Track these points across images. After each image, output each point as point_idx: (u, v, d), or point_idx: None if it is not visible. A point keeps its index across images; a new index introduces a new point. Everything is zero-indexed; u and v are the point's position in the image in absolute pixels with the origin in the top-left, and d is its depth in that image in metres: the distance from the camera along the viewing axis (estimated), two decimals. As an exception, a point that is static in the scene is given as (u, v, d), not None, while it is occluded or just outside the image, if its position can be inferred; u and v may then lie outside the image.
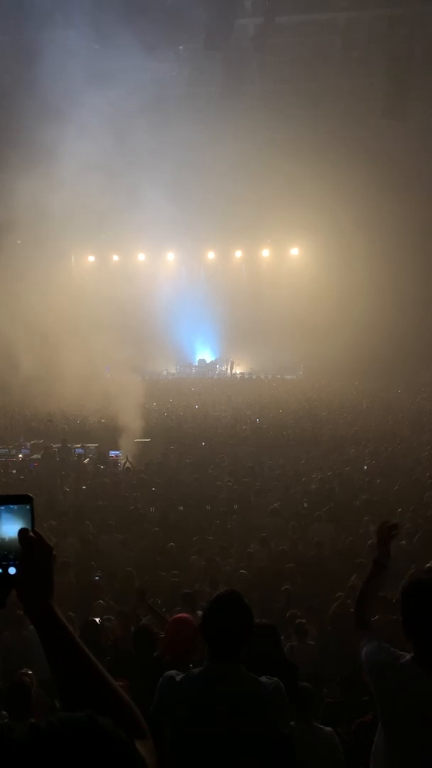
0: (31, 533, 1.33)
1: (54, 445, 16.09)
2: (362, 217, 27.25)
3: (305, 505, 11.05)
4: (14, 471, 14.17)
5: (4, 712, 3.90)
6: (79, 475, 13.72)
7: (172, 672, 2.76)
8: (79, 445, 16.37)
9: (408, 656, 2.60)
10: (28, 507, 1.34)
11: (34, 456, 15.89)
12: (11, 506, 1.33)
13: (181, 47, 21.74)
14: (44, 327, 18.56)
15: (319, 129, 24.26)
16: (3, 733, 0.98)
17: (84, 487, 12.76)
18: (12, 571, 1.30)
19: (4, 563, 1.30)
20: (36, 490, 11.82)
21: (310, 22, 20.99)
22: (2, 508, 1.33)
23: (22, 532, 1.32)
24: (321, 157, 24.80)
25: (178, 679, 2.68)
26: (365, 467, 14.12)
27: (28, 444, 17.06)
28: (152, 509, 11.03)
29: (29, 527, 1.33)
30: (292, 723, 3.85)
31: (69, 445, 16.14)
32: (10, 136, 18.66)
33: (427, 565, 6.41)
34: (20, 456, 16.13)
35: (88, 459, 15.61)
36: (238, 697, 2.58)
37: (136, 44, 18.69)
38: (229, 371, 34.46)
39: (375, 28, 20.24)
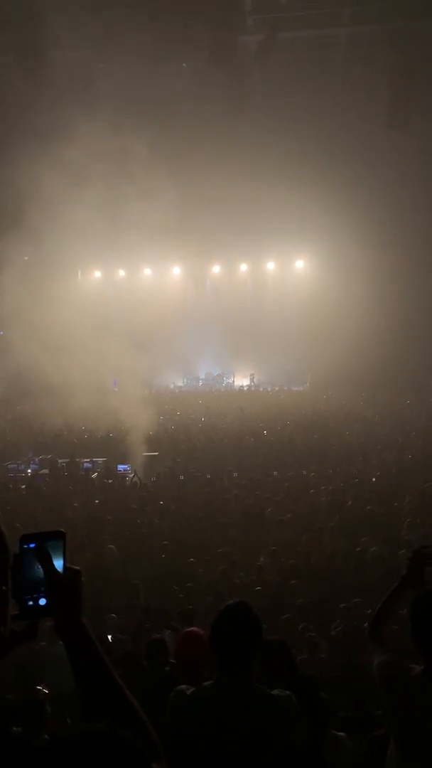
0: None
1: (62, 460, 16.11)
2: (368, 228, 27.31)
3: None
4: (23, 486, 14.18)
5: (18, 728, 3.88)
6: (87, 489, 13.71)
7: (183, 686, 2.76)
8: (88, 460, 16.39)
9: (419, 668, 2.60)
10: (60, 542, 1.42)
11: (43, 471, 15.93)
12: (48, 542, 1.40)
13: (184, 64, 21.98)
14: (51, 341, 18.64)
15: (323, 143, 24.43)
16: (24, 739, 1.00)
17: (97, 501, 12.76)
18: (42, 602, 1.37)
19: (35, 595, 1.36)
20: (46, 504, 11.85)
21: (312, 37, 21.19)
22: (33, 545, 1.39)
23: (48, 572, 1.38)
24: (325, 170, 24.95)
25: (188, 692, 2.68)
26: (374, 479, 14.05)
27: (36, 459, 17.09)
28: (157, 521, 11.03)
29: (62, 563, 1.40)
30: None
31: (77, 460, 16.16)
32: (16, 151, 18.86)
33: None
34: (29, 471, 16.16)
35: (96, 473, 15.62)
36: (248, 709, 2.57)
37: (139, 62, 18.90)
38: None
39: (376, 42, 20.42)
